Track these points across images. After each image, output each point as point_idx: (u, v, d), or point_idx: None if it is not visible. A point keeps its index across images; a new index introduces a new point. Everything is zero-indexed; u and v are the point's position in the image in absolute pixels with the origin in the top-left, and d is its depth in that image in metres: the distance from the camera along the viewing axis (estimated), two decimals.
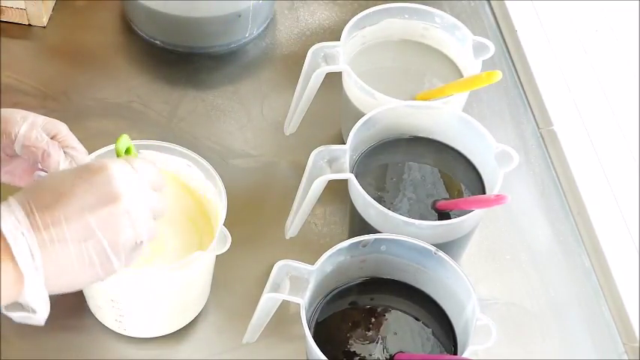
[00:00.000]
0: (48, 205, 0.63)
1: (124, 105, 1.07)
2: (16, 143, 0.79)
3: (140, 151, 0.85)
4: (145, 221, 0.68)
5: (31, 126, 0.80)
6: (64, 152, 0.80)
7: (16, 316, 0.64)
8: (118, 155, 0.74)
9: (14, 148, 0.80)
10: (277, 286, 0.79)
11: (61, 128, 0.82)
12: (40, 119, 0.81)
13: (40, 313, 0.64)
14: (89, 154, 0.82)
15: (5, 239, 0.61)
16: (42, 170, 0.80)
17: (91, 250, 0.64)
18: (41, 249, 0.62)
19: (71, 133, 0.83)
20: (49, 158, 0.79)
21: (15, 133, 0.79)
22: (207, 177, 0.87)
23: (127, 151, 0.75)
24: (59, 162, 0.79)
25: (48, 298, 0.64)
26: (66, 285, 0.65)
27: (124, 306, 0.84)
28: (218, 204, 0.85)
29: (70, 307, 0.89)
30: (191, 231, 0.85)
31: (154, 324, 0.88)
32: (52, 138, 0.81)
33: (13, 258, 0.61)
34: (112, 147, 0.81)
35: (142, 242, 0.68)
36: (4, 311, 0.65)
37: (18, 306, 0.64)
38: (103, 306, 0.86)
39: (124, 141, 0.75)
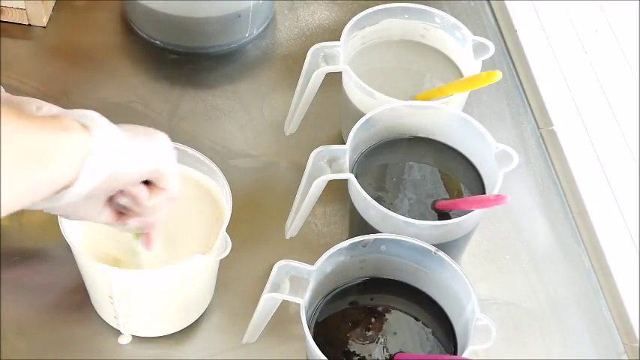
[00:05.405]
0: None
1: (124, 105, 1.07)
2: None
3: None
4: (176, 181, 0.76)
5: None
6: None
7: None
8: None
9: None
10: (277, 286, 0.79)
11: None
12: (55, 109, 0.81)
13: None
14: None
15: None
16: None
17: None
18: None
19: None
20: None
21: None
22: (213, 178, 0.87)
23: None
24: None
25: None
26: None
27: (125, 306, 0.84)
28: (223, 205, 0.85)
29: (72, 306, 0.89)
30: (194, 231, 0.85)
31: (154, 324, 0.88)
32: None
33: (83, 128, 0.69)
34: None
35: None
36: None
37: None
38: (103, 306, 0.86)
39: None
